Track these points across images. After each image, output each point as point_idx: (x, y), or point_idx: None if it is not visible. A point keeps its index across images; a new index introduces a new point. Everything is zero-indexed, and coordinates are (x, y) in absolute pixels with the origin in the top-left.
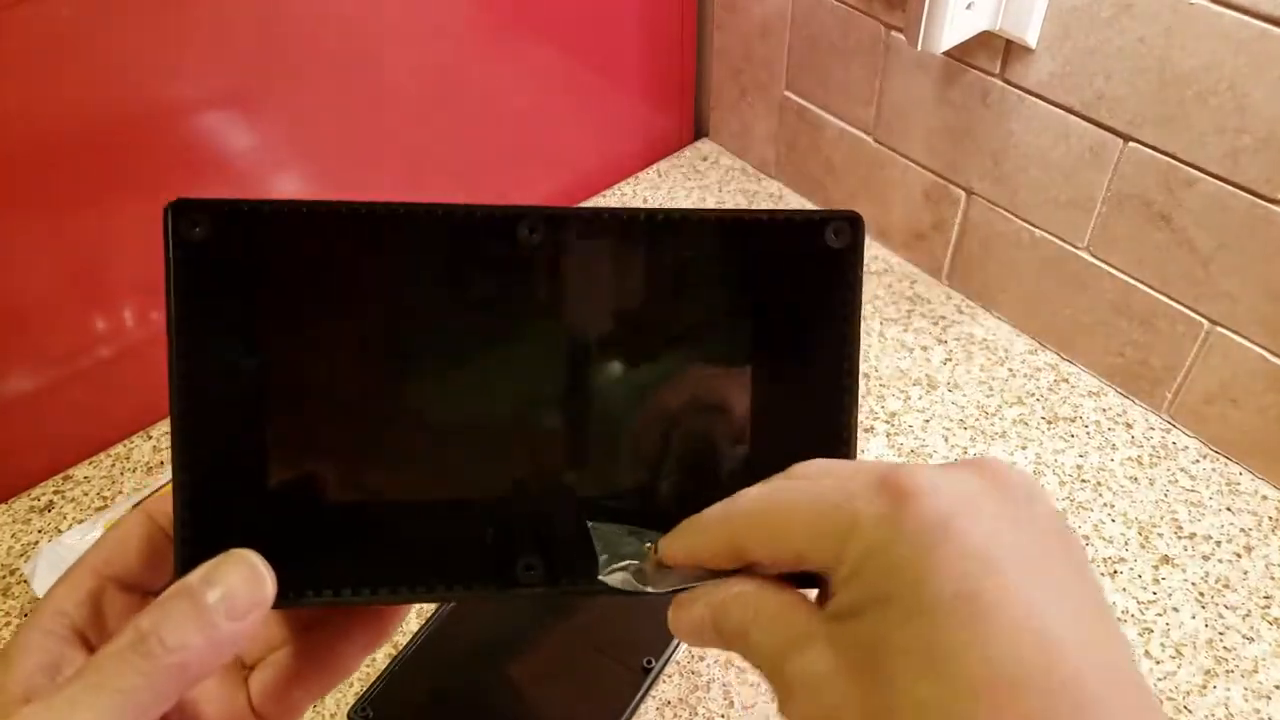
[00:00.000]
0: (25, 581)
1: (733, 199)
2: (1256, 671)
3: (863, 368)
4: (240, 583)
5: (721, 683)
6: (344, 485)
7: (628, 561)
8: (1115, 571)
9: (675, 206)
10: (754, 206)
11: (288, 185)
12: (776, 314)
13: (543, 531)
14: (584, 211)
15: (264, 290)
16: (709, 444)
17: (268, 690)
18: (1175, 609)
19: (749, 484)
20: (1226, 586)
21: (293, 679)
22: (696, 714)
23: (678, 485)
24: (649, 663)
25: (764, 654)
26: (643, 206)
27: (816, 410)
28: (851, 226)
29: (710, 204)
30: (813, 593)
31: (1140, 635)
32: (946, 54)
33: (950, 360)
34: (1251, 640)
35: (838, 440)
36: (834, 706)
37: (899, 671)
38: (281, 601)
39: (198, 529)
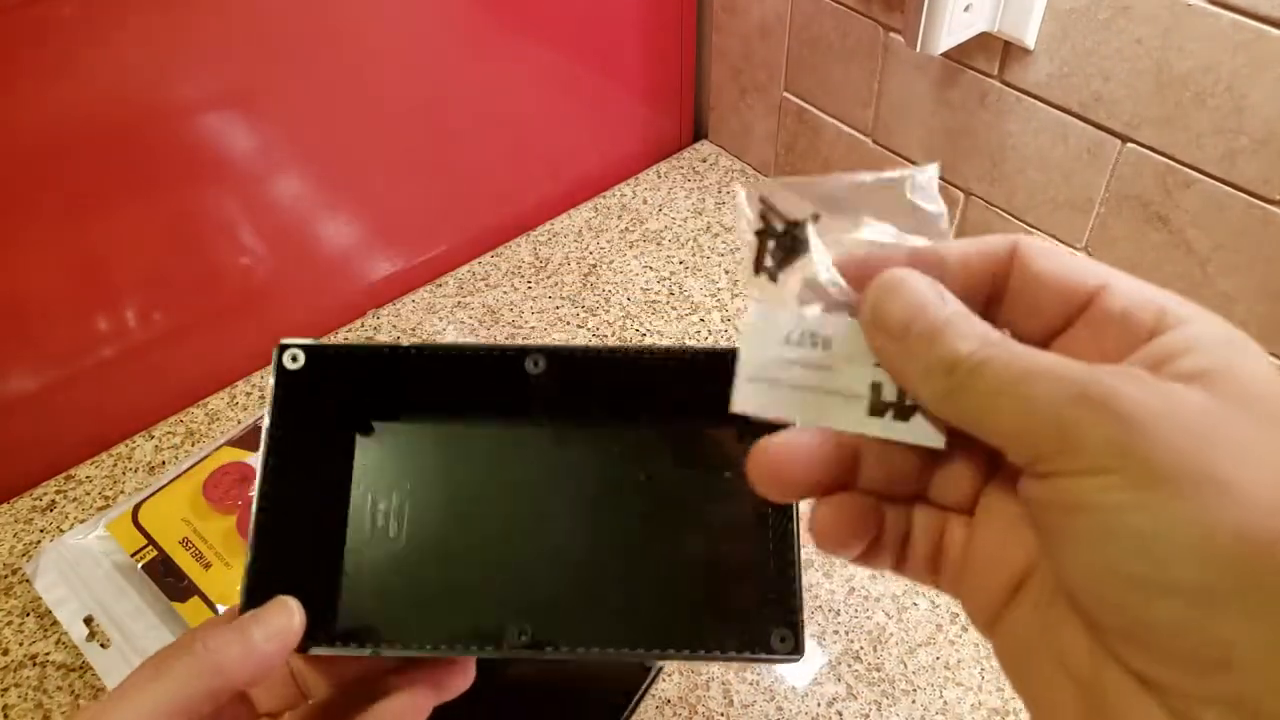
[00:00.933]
0: (27, 581)
1: (732, 199)
2: None
3: None
4: (275, 612)
5: (721, 681)
6: (367, 568)
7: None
8: None
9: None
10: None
11: (289, 186)
12: (742, 423)
13: (531, 603)
14: (578, 349)
15: (334, 409)
16: (682, 540)
17: None
18: None
19: (705, 578)
20: None
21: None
22: (696, 713)
23: (651, 575)
24: (650, 662)
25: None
26: (631, 345)
27: (772, 506)
28: None
29: (710, 204)
30: None
31: None
32: (945, 55)
33: None
34: None
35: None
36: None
37: None
38: (309, 644)
39: (255, 593)
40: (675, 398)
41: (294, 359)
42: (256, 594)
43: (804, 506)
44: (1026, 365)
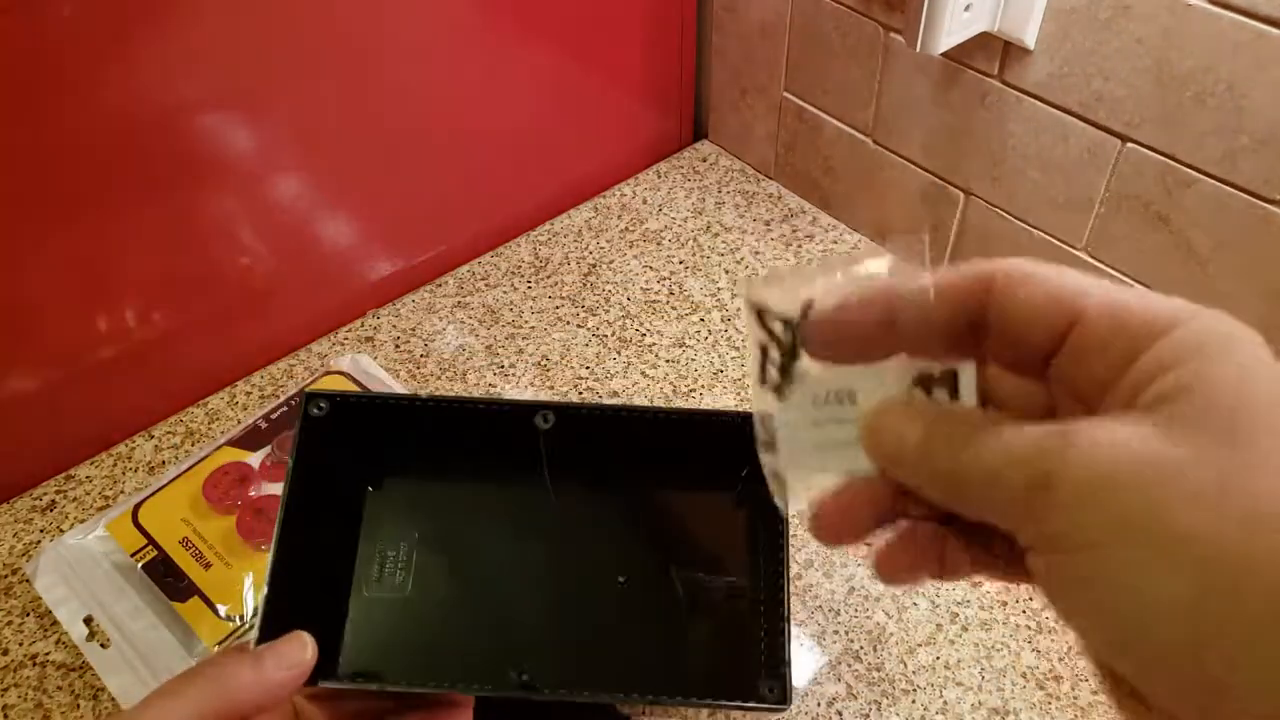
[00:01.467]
0: (27, 581)
1: (731, 199)
2: None
3: None
4: (290, 644)
5: None
6: (376, 609)
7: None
8: None
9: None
10: (752, 210)
11: (289, 186)
12: (731, 480)
13: (530, 648)
14: (584, 406)
15: (352, 456)
16: (678, 593)
17: None
18: None
19: (694, 619)
20: None
21: None
22: (697, 713)
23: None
24: None
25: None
26: (638, 405)
27: (763, 558)
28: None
29: (710, 204)
30: None
31: None
32: (945, 55)
33: None
34: None
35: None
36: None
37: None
38: (318, 678)
39: (269, 627)
40: (678, 455)
41: (319, 408)
42: (270, 628)
43: (805, 555)
44: (985, 459)
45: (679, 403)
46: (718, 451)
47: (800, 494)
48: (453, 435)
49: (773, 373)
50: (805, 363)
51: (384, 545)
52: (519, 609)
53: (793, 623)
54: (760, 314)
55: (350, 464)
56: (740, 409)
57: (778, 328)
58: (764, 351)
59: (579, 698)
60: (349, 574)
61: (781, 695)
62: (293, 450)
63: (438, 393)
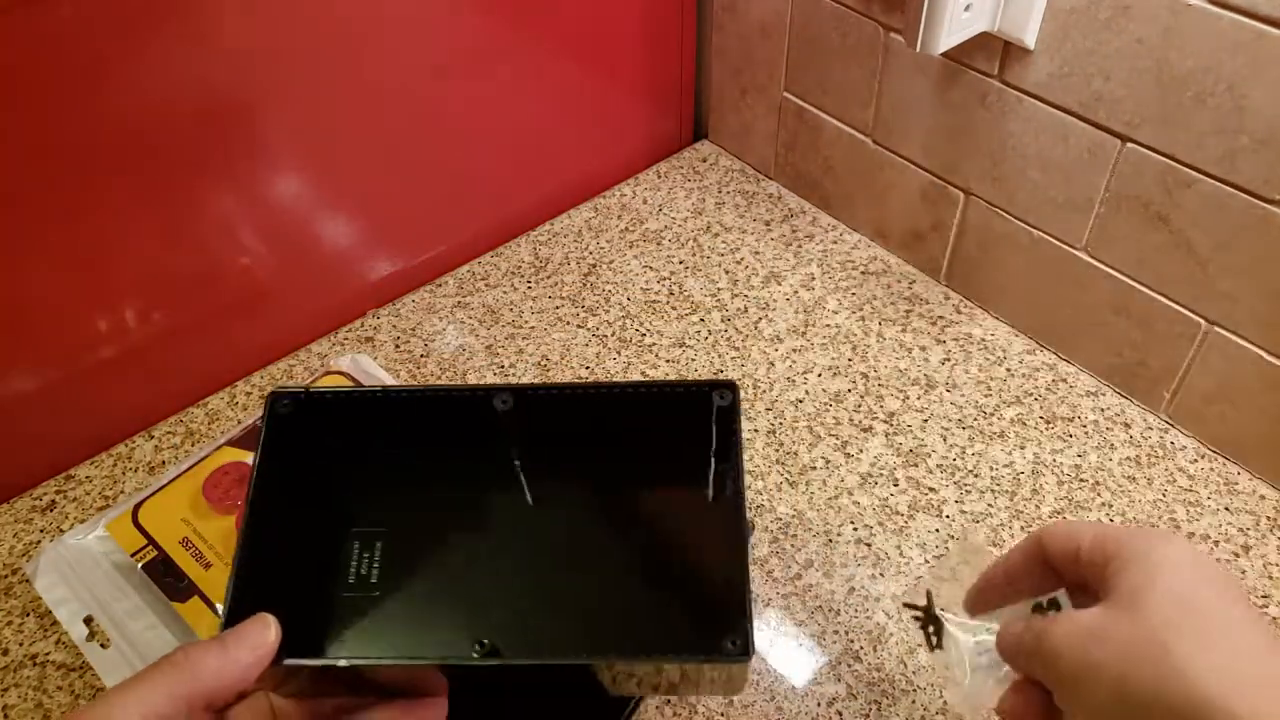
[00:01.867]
0: (27, 581)
1: (731, 199)
2: None
3: (861, 368)
4: (252, 626)
5: None
6: (343, 591)
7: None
8: None
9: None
10: (752, 210)
11: (289, 186)
12: (689, 449)
13: (496, 620)
14: (540, 386)
15: (318, 448)
16: (639, 556)
17: None
18: None
19: (660, 589)
20: None
21: None
22: (696, 713)
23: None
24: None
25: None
26: (592, 382)
27: (723, 521)
28: (732, 391)
29: (710, 204)
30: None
31: None
32: (945, 55)
33: (948, 360)
34: None
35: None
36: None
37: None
38: (283, 655)
39: (236, 612)
40: (639, 428)
41: (285, 406)
42: (237, 612)
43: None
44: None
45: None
46: (676, 422)
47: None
48: (415, 424)
49: (933, 639)
50: (949, 627)
51: (353, 534)
52: (488, 587)
53: (792, 621)
54: (912, 609)
55: (316, 457)
56: (693, 379)
57: (922, 613)
58: (924, 629)
59: (541, 659)
60: (318, 564)
61: (744, 648)
62: (259, 446)
63: (397, 385)
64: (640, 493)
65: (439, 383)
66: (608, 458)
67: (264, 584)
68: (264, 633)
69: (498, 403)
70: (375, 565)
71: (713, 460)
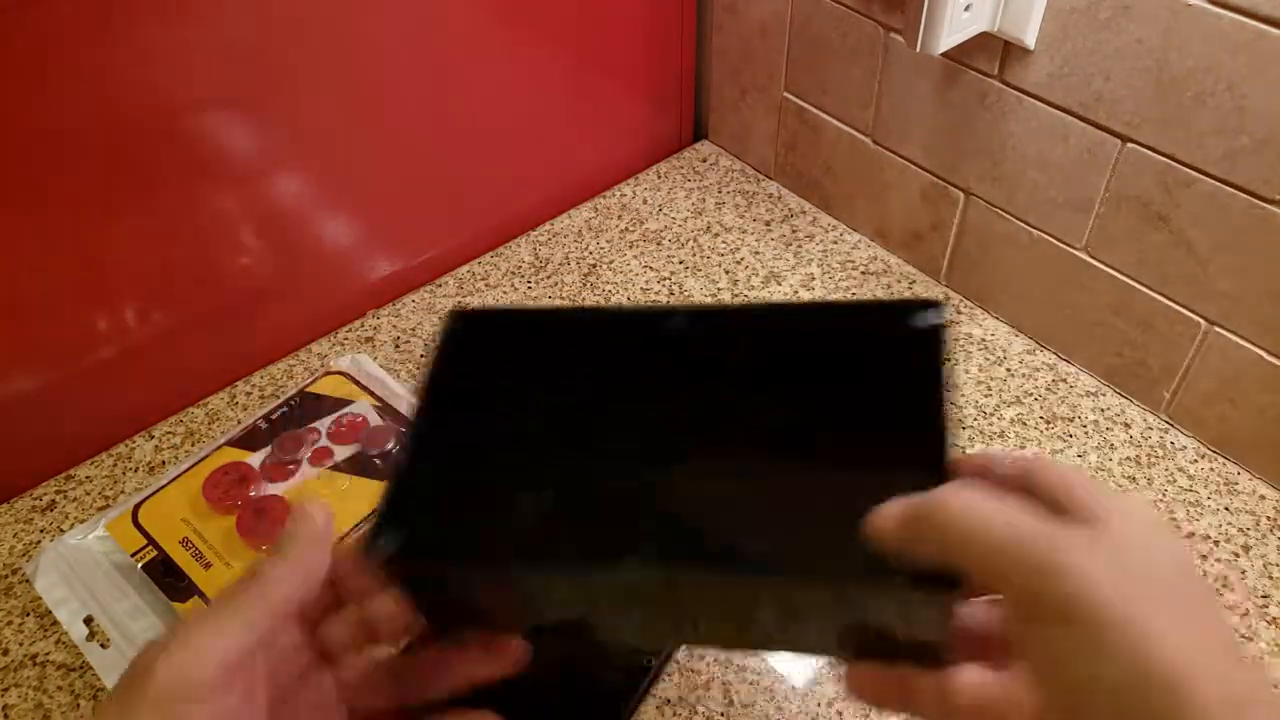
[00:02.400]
0: (27, 581)
1: (731, 200)
2: None
3: None
4: (301, 522)
5: (721, 681)
6: (501, 500)
7: None
8: None
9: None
10: (752, 210)
11: (289, 186)
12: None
13: (671, 532)
14: (718, 309)
15: (484, 367)
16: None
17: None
18: None
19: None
20: (1225, 586)
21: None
22: (696, 713)
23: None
24: (649, 661)
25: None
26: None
27: (915, 446)
28: (940, 312)
29: (710, 204)
30: None
31: None
32: (945, 55)
33: (948, 360)
34: (1250, 639)
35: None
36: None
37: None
38: (408, 554)
39: (391, 514)
40: (819, 350)
41: (456, 323)
42: (391, 512)
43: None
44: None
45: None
46: (871, 345)
47: None
48: (589, 343)
49: None
50: None
51: (520, 444)
52: (657, 497)
53: None
54: None
55: (487, 370)
56: (890, 296)
57: None
58: None
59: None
60: (479, 468)
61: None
62: (432, 356)
63: (564, 304)
64: (828, 422)
65: (609, 305)
66: (791, 379)
67: (421, 481)
68: (311, 523)
69: (672, 324)
70: (539, 482)
71: (911, 389)
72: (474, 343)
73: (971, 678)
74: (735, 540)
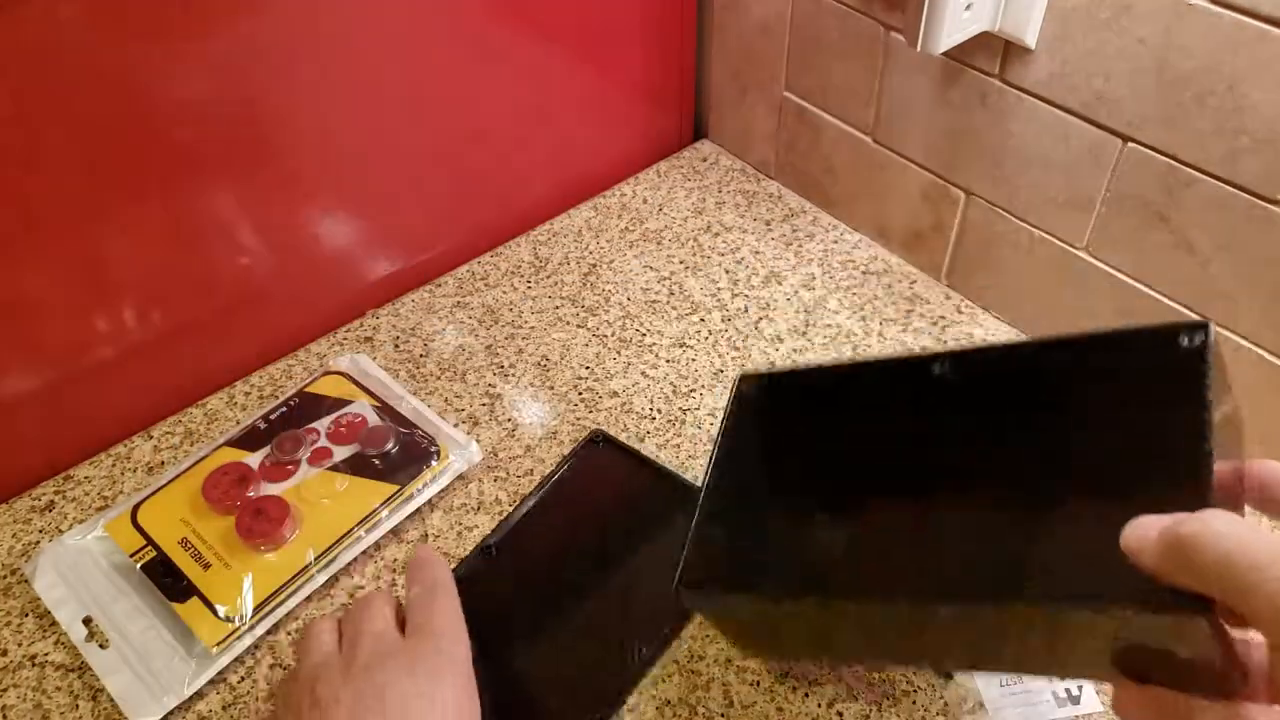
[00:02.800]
0: (26, 581)
1: (732, 199)
2: None
3: None
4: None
5: (721, 682)
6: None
7: None
8: None
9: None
10: (752, 210)
11: (288, 186)
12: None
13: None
14: (979, 348)
15: (774, 423)
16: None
17: None
18: None
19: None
20: None
21: None
22: (696, 713)
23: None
24: (641, 651)
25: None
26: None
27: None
28: (1204, 333)
29: (710, 204)
30: None
31: None
32: (945, 55)
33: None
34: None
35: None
36: None
37: None
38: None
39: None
40: (1087, 386)
41: (749, 385)
42: (698, 548)
43: None
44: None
45: (678, 403)
46: (1135, 373)
47: None
48: (867, 392)
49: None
50: None
51: (806, 488)
52: (950, 540)
53: None
54: None
55: (778, 423)
56: (1154, 323)
57: None
58: None
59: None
60: (774, 511)
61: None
62: (724, 419)
63: (836, 360)
64: (1094, 454)
65: (877, 355)
66: (1057, 416)
67: (724, 522)
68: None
69: (936, 368)
70: (832, 524)
71: (1175, 412)
72: (761, 402)
73: (1267, 715)
74: (1015, 569)
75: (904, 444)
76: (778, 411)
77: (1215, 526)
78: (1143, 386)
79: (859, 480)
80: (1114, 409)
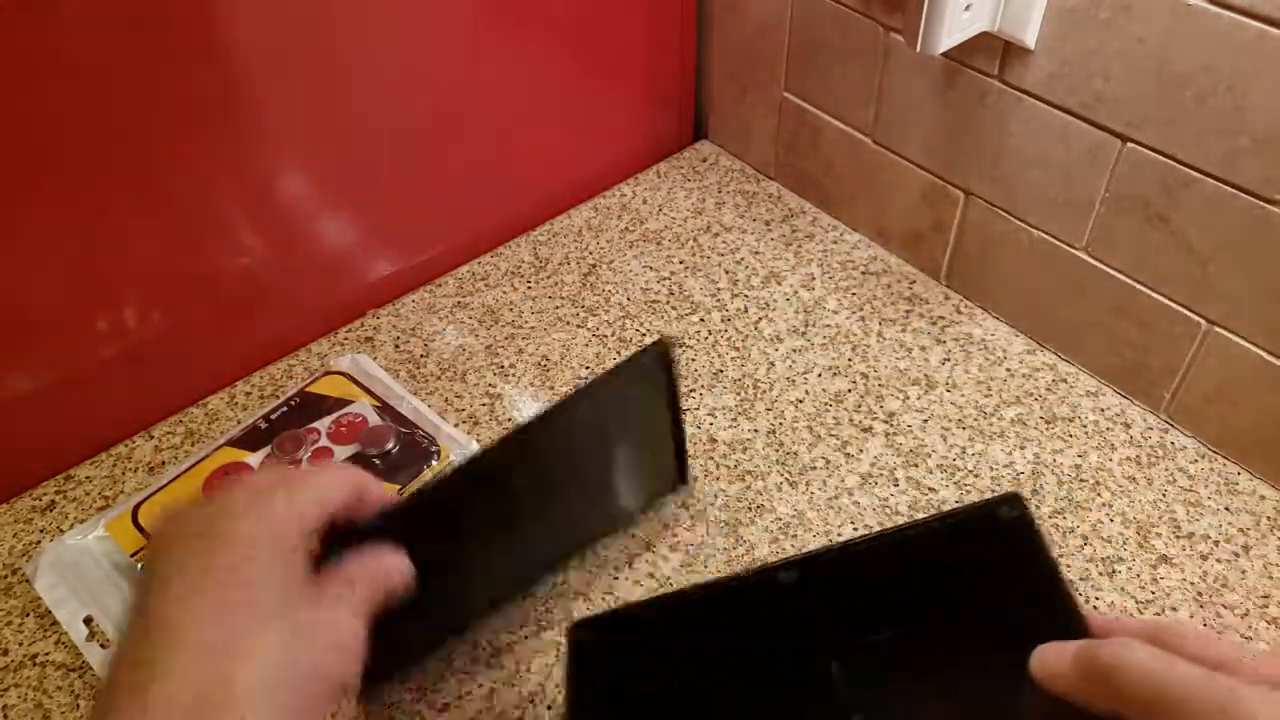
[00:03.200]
0: (27, 581)
1: (731, 199)
2: None
3: (861, 368)
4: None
5: None
6: None
7: None
8: (1113, 571)
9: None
10: (752, 210)
11: (288, 186)
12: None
13: None
14: (822, 550)
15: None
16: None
17: None
18: (1174, 608)
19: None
20: (1225, 586)
21: None
22: None
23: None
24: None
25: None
26: (863, 535)
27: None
28: (1019, 505)
29: (710, 204)
30: None
31: None
32: (945, 55)
33: (949, 360)
34: (1250, 639)
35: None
36: None
37: None
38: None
39: None
40: (939, 568)
41: (585, 634)
42: None
43: None
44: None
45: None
46: (969, 549)
47: None
48: (703, 617)
49: None
50: None
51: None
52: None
53: None
54: None
55: (621, 678)
56: (971, 503)
57: None
58: None
59: None
60: None
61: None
62: (566, 677)
63: (671, 589)
64: (956, 633)
65: (718, 576)
66: (910, 607)
67: None
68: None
69: (781, 577)
70: None
71: (1021, 580)
72: (600, 647)
73: None
74: None
75: (766, 660)
76: (619, 653)
77: (1137, 652)
78: (982, 560)
79: (718, 708)
80: (967, 585)
